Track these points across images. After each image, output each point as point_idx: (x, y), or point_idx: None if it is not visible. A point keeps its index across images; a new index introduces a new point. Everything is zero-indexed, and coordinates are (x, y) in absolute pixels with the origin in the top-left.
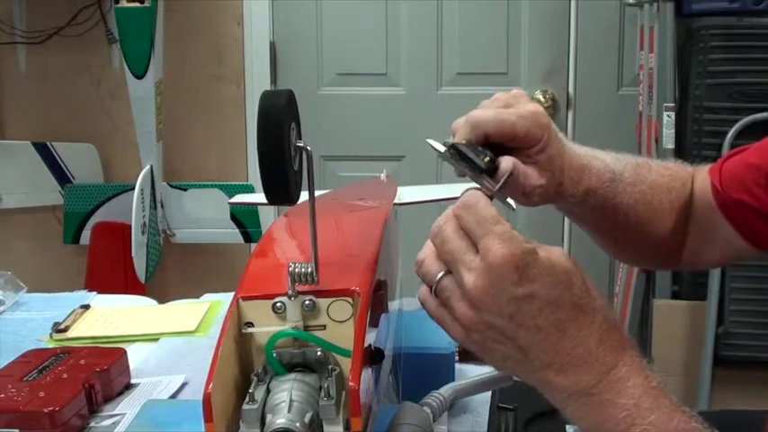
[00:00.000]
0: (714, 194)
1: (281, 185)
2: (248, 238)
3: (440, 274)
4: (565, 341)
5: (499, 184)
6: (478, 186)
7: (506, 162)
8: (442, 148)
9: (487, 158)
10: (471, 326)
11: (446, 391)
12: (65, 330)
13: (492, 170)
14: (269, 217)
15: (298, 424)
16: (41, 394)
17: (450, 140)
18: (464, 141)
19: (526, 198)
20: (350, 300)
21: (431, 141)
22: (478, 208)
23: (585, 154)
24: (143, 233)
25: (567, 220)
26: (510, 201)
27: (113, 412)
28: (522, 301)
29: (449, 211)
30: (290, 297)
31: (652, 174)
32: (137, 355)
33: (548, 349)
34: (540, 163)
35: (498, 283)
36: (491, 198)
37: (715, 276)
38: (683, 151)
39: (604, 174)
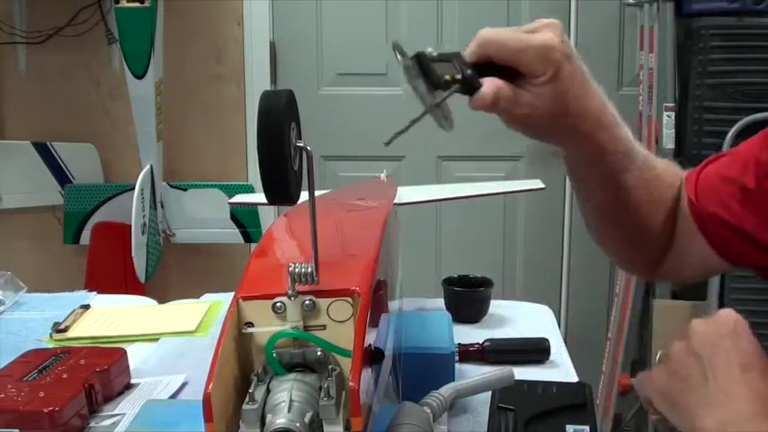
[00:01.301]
0: (689, 207)
1: (281, 185)
2: (248, 238)
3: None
4: (742, 386)
5: (437, 100)
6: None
7: (488, 85)
8: (406, 57)
9: (456, 75)
10: (677, 356)
11: (446, 391)
12: (65, 330)
13: (469, 89)
14: (269, 217)
15: (298, 424)
16: (41, 394)
17: (431, 50)
18: (455, 52)
19: (513, 124)
20: (350, 300)
21: (397, 46)
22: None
23: (612, 116)
24: (143, 233)
25: (567, 219)
26: (447, 120)
27: (113, 412)
28: (726, 340)
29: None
30: (290, 297)
31: (658, 166)
32: (137, 355)
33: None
34: (541, 96)
35: (717, 324)
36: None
37: (715, 276)
38: (683, 151)
39: (622, 144)
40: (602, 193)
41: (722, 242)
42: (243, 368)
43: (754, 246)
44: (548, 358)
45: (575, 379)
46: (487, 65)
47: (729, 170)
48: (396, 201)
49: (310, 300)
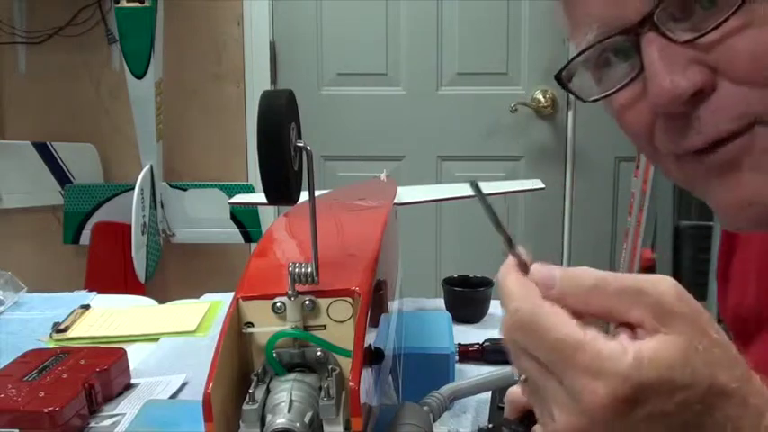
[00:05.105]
0: None
1: (281, 185)
2: (248, 238)
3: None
4: None
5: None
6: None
7: None
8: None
9: None
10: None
11: (446, 391)
12: (65, 330)
13: None
14: (269, 217)
15: (298, 424)
16: (41, 394)
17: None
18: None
19: None
20: (350, 300)
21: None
22: (542, 332)
23: None
24: (143, 233)
25: (567, 219)
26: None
27: (113, 412)
28: (640, 425)
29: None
30: (290, 297)
31: None
32: (137, 355)
33: None
34: None
35: (603, 423)
36: None
37: (714, 276)
38: None
39: None
40: None
41: None
42: (243, 368)
43: None
44: None
45: None
46: None
47: None
48: (396, 201)
49: (310, 300)
